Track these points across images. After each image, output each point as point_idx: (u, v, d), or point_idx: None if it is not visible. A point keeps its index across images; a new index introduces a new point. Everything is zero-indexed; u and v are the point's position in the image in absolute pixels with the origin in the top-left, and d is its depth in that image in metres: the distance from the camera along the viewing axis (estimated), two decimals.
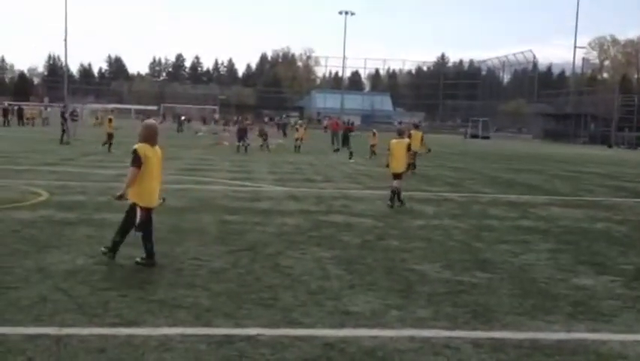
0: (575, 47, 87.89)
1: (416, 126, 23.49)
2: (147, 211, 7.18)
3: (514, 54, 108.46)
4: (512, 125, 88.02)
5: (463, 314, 5.86)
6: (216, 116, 73.65)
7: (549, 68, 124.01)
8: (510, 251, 8.93)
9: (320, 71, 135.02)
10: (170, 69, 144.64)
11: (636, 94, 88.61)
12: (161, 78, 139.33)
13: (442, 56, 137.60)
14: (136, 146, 7.13)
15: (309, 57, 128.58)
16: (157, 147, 7.30)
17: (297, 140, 33.24)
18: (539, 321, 5.77)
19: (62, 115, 32.56)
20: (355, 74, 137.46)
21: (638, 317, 6.02)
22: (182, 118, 58.83)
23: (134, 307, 5.63)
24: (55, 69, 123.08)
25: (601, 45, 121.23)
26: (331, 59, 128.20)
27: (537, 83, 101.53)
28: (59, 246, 8.01)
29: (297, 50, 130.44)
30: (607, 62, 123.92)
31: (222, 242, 8.66)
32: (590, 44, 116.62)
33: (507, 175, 22.86)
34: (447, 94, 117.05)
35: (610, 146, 65.22)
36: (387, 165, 13.51)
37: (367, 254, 8.31)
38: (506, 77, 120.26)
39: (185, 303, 5.81)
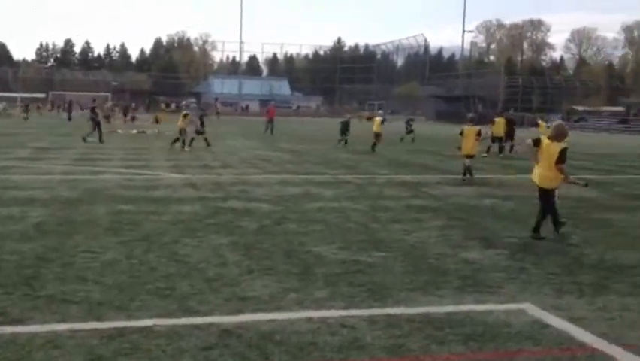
0: (464, 31, 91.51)
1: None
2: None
3: (406, 38, 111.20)
4: (406, 108, 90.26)
5: (358, 293, 5.99)
6: (109, 103, 70.93)
7: (440, 52, 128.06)
8: (403, 230, 9.20)
9: (217, 56, 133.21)
10: (59, 55, 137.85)
11: (520, 76, 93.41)
12: (49, 64, 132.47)
13: (339, 40, 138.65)
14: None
15: (205, 42, 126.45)
16: (555, 143, 8.72)
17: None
18: (431, 296, 5.99)
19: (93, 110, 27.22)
20: (253, 59, 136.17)
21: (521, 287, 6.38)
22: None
23: (19, 304, 5.37)
24: None
25: (487, 29, 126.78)
26: (228, 43, 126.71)
27: (428, 66, 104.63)
28: None
29: (192, 35, 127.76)
30: (493, 46, 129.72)
31: (115, 233, 8.41)
32: (477, 28, 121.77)
33: (404, 157, 23.48)
34: (343, 78, 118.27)
35: None
36: (459, 148, 16.24)
37: (265, 239, 8.31)
38: (400, 61, 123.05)
39: (76, 298, 5.60)
